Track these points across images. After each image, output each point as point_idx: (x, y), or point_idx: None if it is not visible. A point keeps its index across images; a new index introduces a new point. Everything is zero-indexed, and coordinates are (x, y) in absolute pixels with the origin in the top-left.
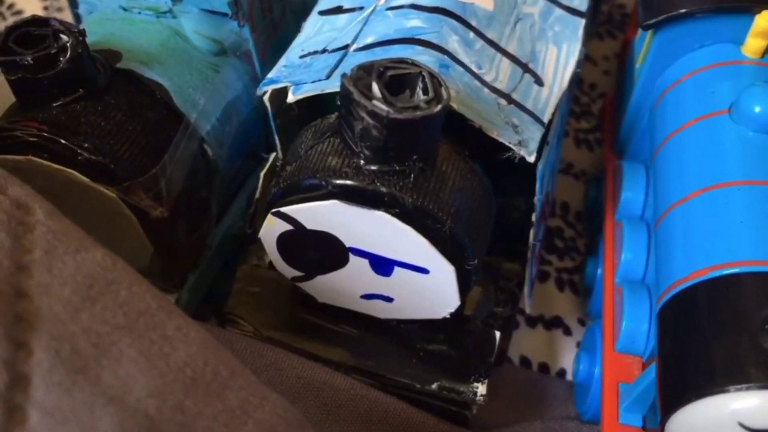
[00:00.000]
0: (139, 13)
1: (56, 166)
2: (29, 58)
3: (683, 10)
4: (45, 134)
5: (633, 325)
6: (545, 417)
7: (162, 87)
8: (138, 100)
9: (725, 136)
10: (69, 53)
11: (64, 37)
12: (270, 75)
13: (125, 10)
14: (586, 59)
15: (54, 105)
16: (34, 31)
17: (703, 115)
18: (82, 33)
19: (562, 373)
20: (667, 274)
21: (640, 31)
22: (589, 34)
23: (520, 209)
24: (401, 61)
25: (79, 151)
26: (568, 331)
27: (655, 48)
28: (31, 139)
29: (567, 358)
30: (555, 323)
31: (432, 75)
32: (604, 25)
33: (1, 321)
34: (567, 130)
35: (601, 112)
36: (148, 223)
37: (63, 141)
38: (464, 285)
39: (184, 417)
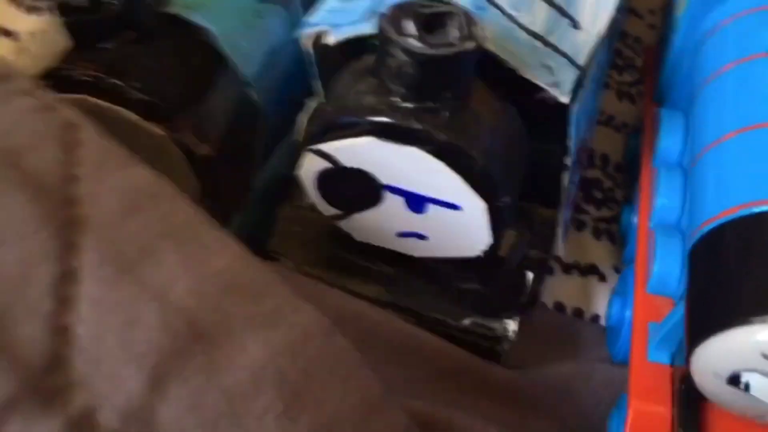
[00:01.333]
0: None
1: (108, 104)
2: (85, 1)
3: None
4: (98, 74)
5: (665, 265)
6: (577, 359)
7: (207, 30)
8: (184, 43)
9: (762, 78)
10: None
11: None
12: (310, 19)
13: None
14: (631, 12)
15: (107, 47)
16: None
17: (742, 59)
18: None
19: (595, 318)
20: (698, 214)
21: None
22: None
23: (556, 155)
24: (437, 0)
25: (129, 89)
26: (602, 278)
27: None
28: (85, 78)
29: (601, 304)
30: (590, 270)
31: (466, 14)
32: None
33: (52, 222)
34: (609, 83)
35: (644, 63)
36: (194, 162)
37: (115, 81)
38: (496, 223)
39: (221, 316)
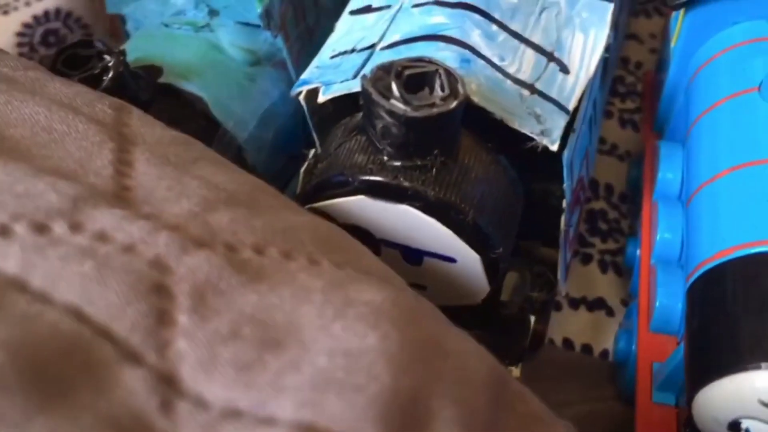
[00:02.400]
0: (179, 28)
1: None
2: (75, 78)
3: None
4: None
5: (666, 303)
6: (586, 398)
7: (200, 99)
8: (178, 113)
9: (755, 114)
10: (111, 73)
11: (107, 58)
12: (303, 76)
13: (167, 26)
14: (632, 37)
15: None
16: (81, 53)
17: (734, 93)
18: (123, 53)
19: (604, 354)
20: (695, 253)
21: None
22: (634, 12)
23: (556, 195)
24: (419, 59)
25: None
26: (610, 312)
27: (687, 27)
28: None
29: (610, 339)
30: (598, 305)
31: (448, 72)
32: (651, 1)
33: (107, 134)
34: (611, 110)
35: (643, 91)
36: None
37: None
38: (492, 272)
39: (253, 201)
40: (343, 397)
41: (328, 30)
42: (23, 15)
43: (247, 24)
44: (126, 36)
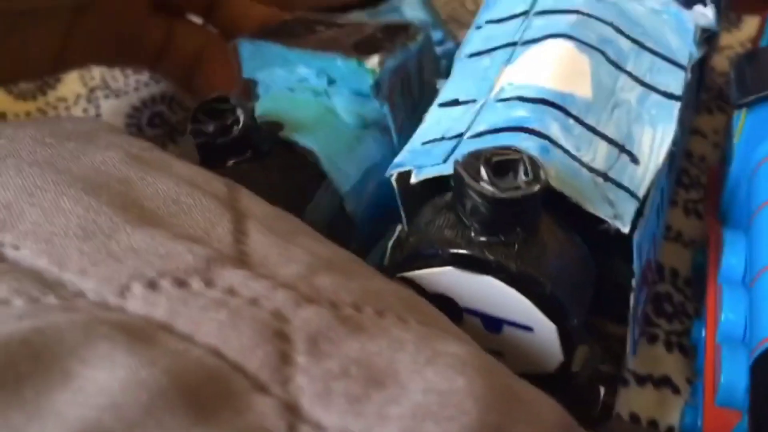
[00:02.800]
0: (302, 93)
1: None
2: (211, 127)
3: None
4: None
5: (731, 378)
6: None
7: (312, 152)
8: (291, 163)
9: None
10: (240, 124)
11: (239, 111)
12: (397, 159)
13: (291, 90)
14: (695, 133)
15: (227, 165)
16: (217, 107)
17: None
18: (252, 109)
19: (670, 430)
20: (758, 331)
21: (736, 108)
22: (697, 109)
23: (623, 274)
24: (506, 148)
25: None
26: (676, 390)
27: (749, 125)
28: None
29: (675, 416)
30: (664, 382)
31: (532, 159)
32: (714, 99)
33: (225, 207)
34: (676, 200)
35: (707, 182)
36: None
37: None
38: (567, 342)
39: (347, 268)
40: (439, 425)
41: (430, 103)
42: (132, 99)
43: (359, 93)
44: (256, 97)
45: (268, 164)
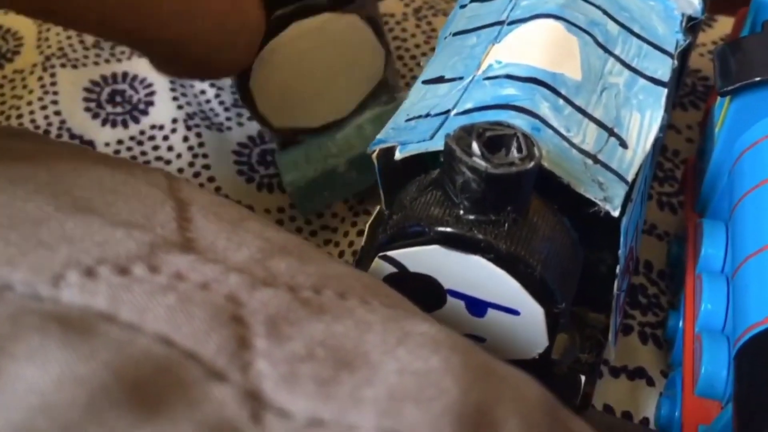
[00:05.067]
0: None
1: None
2: None
3: (758, 78)
4: None
5: (712, 369)
6: None
7: None
8: None
9: None
10: None
11: None
12: (379, 136)
13: None
14: (670, 128)
15: None
16: None
17: None
18: None
19: (644, 421)
20: (743, 319)
21: (719, 97)
22: (673, 104)
23: (606, 263)
24: (498, 123)
25: None
26: (651, 382)
27: (732, 113)
28: None
29: (650, 407)
30: (638, 374)
31: (525, 136)
32: (687, 96)
33: (166, 196)
34: (651, 193)
35: (684, 175)
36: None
37: None
38: (552, 327)
39: (301, 252)
40: (420, 406)
41: None
42: (91, 72)
43: None
44: None
45: None
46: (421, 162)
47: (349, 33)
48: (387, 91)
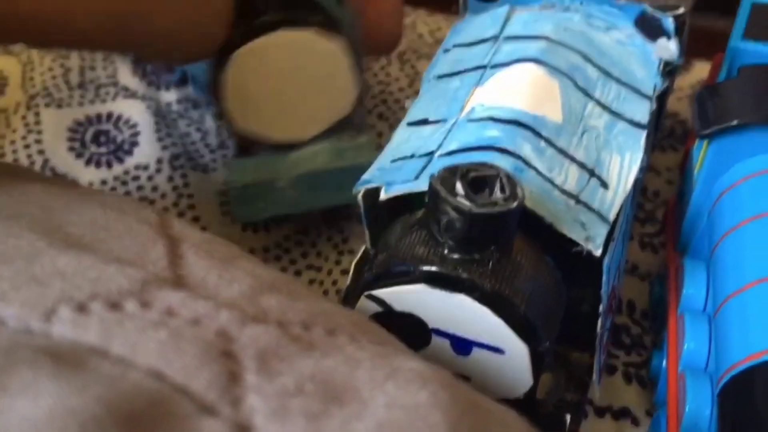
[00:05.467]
0: None
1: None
2: None
3: (736, 122)
4: None
5: (696, 408)
6: None
7: None
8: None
9: None
10: None
11: None
12: (365, 176)
13: None
14: (650, 170)
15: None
16: None
17: (758, 215)
18: None
19: None
20: (725, 358)
21: (697, 140)
22: (652, 147)
23: (589, 302)
24: (482, 164)
25: None
26: (636, 422)
27: (711, 155)
28: None
29: None
30: (623, 413)
31: (509, 176)
32: (666, 138)
33: (157, 233)
34: (633, 234)
35: (664, 216)
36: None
37: None
38: (537, 366)
39: (291, 290)
40: None
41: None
42: (76, 113)
43: None
44: None
45: None
46: (406, 202)
47: (329, 59)
48: (351, 129)
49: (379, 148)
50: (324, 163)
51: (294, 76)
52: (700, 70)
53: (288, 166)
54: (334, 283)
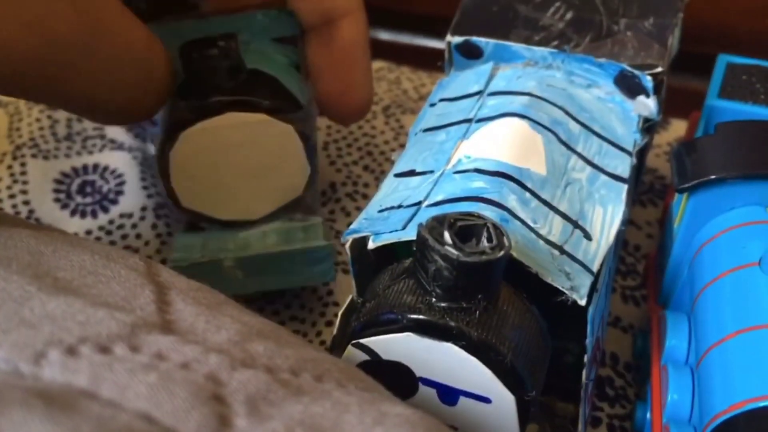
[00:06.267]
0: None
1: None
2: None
3: (714, 176)
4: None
5: None
6: None
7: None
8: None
9: (757, 284)
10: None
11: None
12: (352, 226)
13: None
14: (630, 224)
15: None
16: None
17: (736, 267)
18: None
19: None
20: (708, 408)
21: (676, 194)
22: (633, 201)
23: (573, 353)
24: (469, 214)
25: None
26: None
27: (690, 209)
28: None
29: None
30: None
31: (495, 226)
32: (646, 194)
33: (145, 279)
34: (615, 287)
35: (645, 269)
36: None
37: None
38: (523, 415)
39: (278, 336)
40: None
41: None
42: (62, 164)
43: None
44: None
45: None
46: (393, 252)
47: (280, 141)
48: (302, 210)
49: (358, 209)
50: (273, 245)
51: (245, 156)
52: (678, 127)
53: (236, 246)
54: (318, 334)
